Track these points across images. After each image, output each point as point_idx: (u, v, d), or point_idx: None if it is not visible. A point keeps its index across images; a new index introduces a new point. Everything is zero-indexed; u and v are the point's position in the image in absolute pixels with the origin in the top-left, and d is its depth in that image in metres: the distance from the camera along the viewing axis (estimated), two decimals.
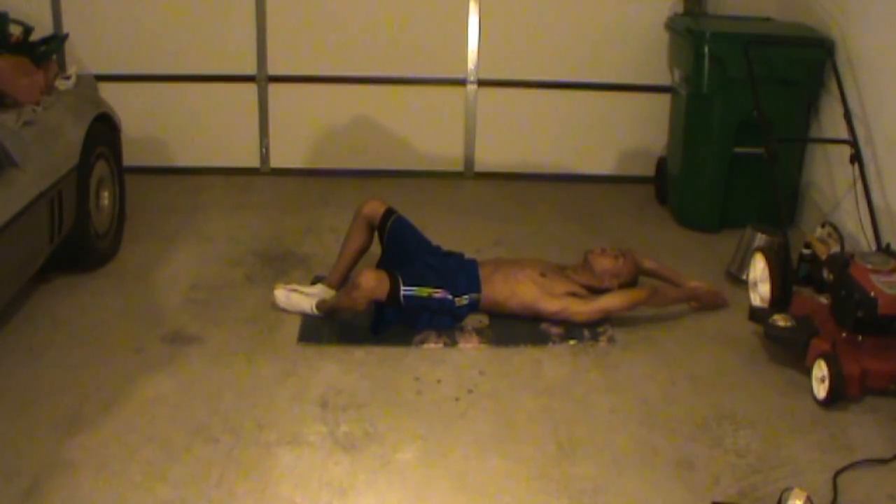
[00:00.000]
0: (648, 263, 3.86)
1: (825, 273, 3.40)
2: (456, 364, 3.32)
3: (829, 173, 4.39)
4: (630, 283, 3.70)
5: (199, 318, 3.59)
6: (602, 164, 5.34)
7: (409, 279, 3.42)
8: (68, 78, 4.10)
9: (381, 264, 3.63)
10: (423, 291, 3.44)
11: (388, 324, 3.45)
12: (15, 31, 4.08)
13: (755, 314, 3.52)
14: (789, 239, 3.73)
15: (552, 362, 3.35)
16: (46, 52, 4.07)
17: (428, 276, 3.50)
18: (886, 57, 3.89)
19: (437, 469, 2.73)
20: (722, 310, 3.78)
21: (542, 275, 3.62)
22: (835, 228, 3.81)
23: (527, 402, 3.09)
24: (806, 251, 3.63)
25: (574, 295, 3.58)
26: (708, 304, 3.77)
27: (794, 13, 4.72)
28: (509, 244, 4.37)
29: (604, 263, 3.66)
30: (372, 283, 3.34)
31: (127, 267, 4.04)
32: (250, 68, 5.13)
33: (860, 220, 3.84)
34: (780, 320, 3.33)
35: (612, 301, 3.58)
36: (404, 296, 3.39)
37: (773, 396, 3.16)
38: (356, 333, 3.47)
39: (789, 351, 3.31)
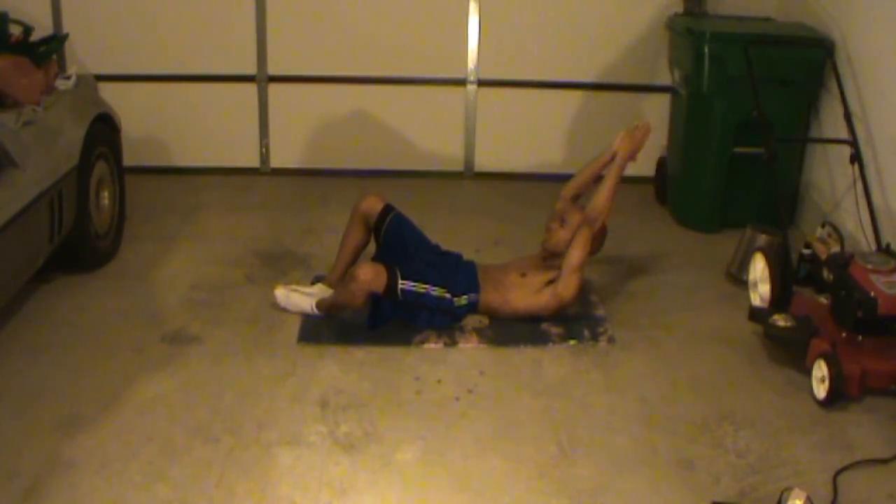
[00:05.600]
0: (573, 187, 3.79)
1: (825, 273, 3.40)
2: (456, 364, 3.32)
3: (829, 173, 4.39)
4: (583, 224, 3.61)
5: (199, 318, 3.59)
6: None
7: (408, 274, 3.42)
8: (68, 78, 4.10)
9: (377, 261, 3.62)
10: (422, 288, 3.44)
11: (386, 319, 3.45)
12: (15, 31, 4.07)
13: (755, 314, 3.52)
14: (789, 239, 3.73)
15: (552, 362, 3.35)
16: (46, 52, 4.06)
17: (427, 274, 3.50)
18: (886, 57, 3.89)
19: (437, 469, 2.73)
20: (651, 133, 3.79)
21: (523, 275, 3.61)
22: (835, 228, 3.81)
23: (527, 402, 3.09)
24: (806, 251, 3.62)
25: (552, 282, 3.57)
26: (637, 144, 3.74)
27: (794, 13, 4.72)
28: (509, 244, 4.37)
29: (560, 237, 3.60)
30: (369, 275, 3.35)
31: (127, 267, 4.04)
32: (250, 68, 5.13)
33: (860, 220, 3.84)
34: (780, 320, 3.33)
35: (571, 260, 3.50)
36: (402, 290, 3.39)
37: (773, 396, 3.16)
38: (356, 333, 3.47)
39: (789, 351, 3.31)
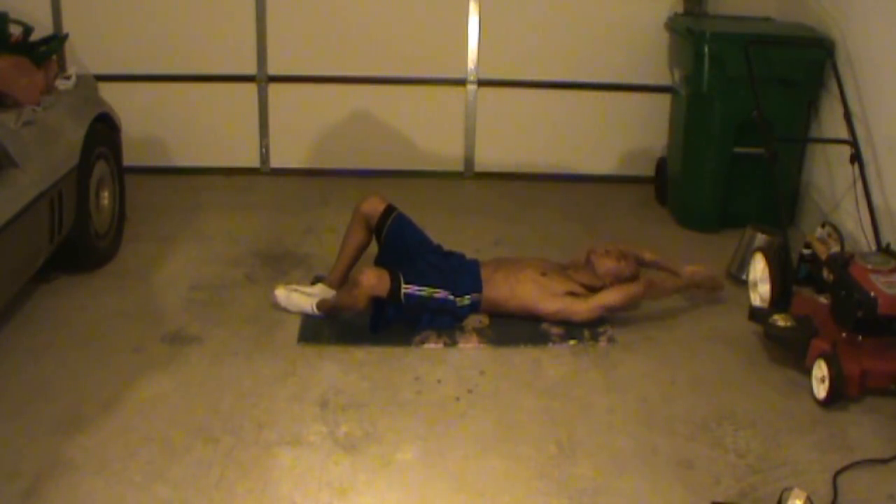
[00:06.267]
0: (649, 256, 3.87)
1: (825, 273, 3.40)
2: (456, 364, 3.32)
3: (829, 173, 4.39)
4: (630, 279, 3.70)
5: (199, 318, 3.58)
6: (602, 164, 5.34)
7: (410, 278, 3.42)
8: (68, 78, 4.10)
9: (379, 262, 3.63)
10: (425, 291, 3.44)
11: (388, 322, 3.45)
12: (15, 31, 4.07)
13: (755, 314, 3.52)
14: (789, 239, 3.73)
15: (552, 362, 3.35)
16: (46, 52, 4.06)
17: (430, 276, 3.50)
18: (886, 57, 3.89)
19: (437, 469, 2.73)
20: (719, 292, 3.84)
21: (543, 274, 3.62)
22: (835, 228, 3.81)
23: (527, 402, 3.09)
24: (806, 251, 3.63)
25: (573, 294, 3.58)
26: (706, 287, 3.81)
27: (794, 13, 4.72)
28: (509, 244, 4.37)
29: (607, 265, 3.68)
30: (373, 280, 3.35)
31: (127, 267, 4.04)
32: (250, 68, 5.13)
33: (860, 220, 3.84)
34: (780, 320, 3.33)
35: (609, 298, 3.58)
36: (405, 294, 3.39)
37: (773, 396, 3.16)
38: (356, 333, 3.47)
39: (789, 351, 3.31)
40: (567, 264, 3.77)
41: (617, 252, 3.73)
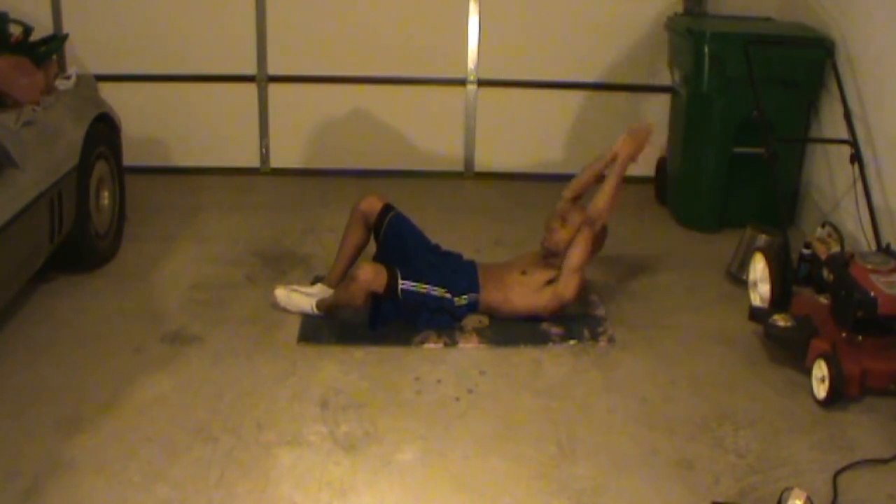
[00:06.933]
0: (574, 190, 3.76)
1: (825, 273, 3.40)
2: (456, 364, 3.32)
3: (829, 173, 4.39)
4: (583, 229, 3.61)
5: (199, 318, 3.58)
6: None
7: (408, 275, 3.42)
8: (68, 78, 4.10)
9: (377, 261, 3.62)
10: (422, 288, 3.44)
11: (386, 319, 3.45)
12: (15, 31, 4.07)
13: (755, 314, 3.52)
14: (789, 239, 3.73)
15: (552, 362, 3.35)
16: (46, 52, 4.06)
17: (428, 274, 3.50)
18: (886, 57, 3.89)
19: (437, 469, 2.73)
20: (653, 135, 3.78)
21: (523, 273, 3.61)
22: (835, 228, 3.81)
23: (527, 402, 3.09)
24: (806, 251, 3.63)
25: (552, 281, 3.57)
26: (639, 145, 3.71)
27: (794, 13, 4.72)
28: (509, 244, 4.37)
29: (557, 238, 3.61)
30: (369, 275, 3.35)
31: (127, 267, 4.04)
32: (250, 68, 5.13)
33: (860, 220, 3.84)
34: (780, 320, 3.33)
35: (572, 260, 3.52)
36: (402, 290, 3.39)
37: (773, 396, 3.16)
38: (356, 333, 3.47)
39: (789, 351, 3.31)
40: (543, 252, 3.71)
41: (556, 221, 3.64)
